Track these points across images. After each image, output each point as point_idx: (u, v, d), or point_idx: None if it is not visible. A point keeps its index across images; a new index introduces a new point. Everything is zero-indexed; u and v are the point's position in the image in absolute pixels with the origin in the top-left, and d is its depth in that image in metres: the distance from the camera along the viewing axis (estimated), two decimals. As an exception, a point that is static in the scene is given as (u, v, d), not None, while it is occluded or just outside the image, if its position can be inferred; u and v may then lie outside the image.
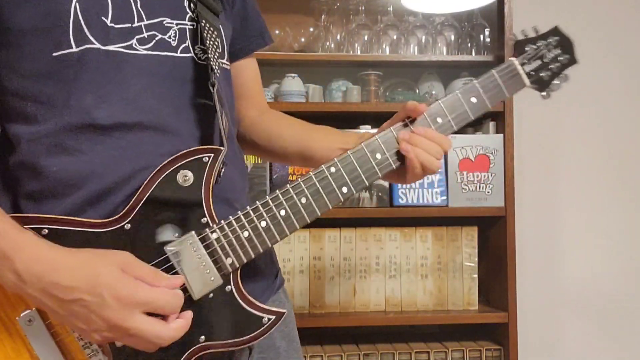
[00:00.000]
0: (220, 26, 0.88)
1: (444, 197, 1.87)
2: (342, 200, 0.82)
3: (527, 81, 0.92)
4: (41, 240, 0.70)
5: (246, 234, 0.77)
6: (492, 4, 1.89)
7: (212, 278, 0.75)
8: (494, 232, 1.94)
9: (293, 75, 1.92)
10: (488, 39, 1.99)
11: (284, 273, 1.83)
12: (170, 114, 0.79)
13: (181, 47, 0.81)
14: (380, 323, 1.84)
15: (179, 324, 0.70)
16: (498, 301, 1.91)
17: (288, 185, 0.80)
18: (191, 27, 0.82)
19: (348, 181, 0.82)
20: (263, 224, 0.78)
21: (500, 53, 1.87)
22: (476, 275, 1.89)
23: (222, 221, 0.77)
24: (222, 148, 0.77)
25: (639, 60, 2.26)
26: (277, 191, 0.79)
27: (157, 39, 0.79)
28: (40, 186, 0.75)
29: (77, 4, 0.74)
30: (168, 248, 0.74)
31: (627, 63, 2.25)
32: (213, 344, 0.75)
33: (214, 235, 0.76)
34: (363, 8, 2.03)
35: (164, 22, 0.80)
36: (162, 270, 0.73)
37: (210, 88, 0.79)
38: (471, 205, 1.86)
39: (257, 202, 0.78)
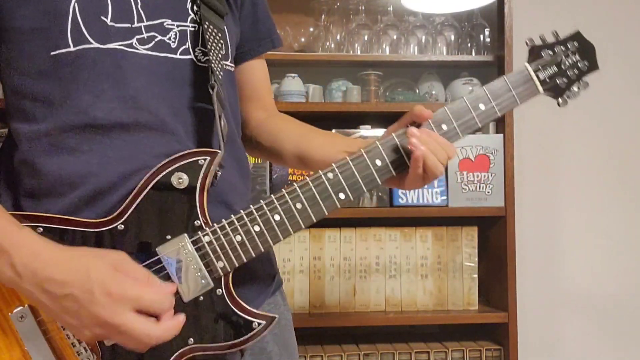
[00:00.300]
0: (224, 28, 0.87)
1: (444, 197, 1.87)
2: (339, 207, 0.80)
3: (540, 89, 0.88)
4: (38, 237, 0.70)
5: (239, 238, 0.76)
6: (492, 4, 1.89)
7: (203, 281, 0.75)
8: (494, 232, 1.94)
9: (293, 75, 1.92)
10: (488, 39, 1.99)
11: (283, 273, 1.84)
12: (169, 114, 0.78)
13: (181, 49, 0.81)
14: (380, 323, 1.84)
15: (170, 325, 0.70)
16: (498, 301, 1.91)
17: (284, 190, 0.79)
18: (192, 28, 0.82)
19: (345, 187, 0.80)
20: (256, 228, 0.77)
21: (500, 53, 1.87)
22: (476, 275, 1.89)
23: (215, 224, 0.76)
24: (219, 151, 0.77)
25: (639, 60, 2.26)
26: (272, 196, 0.78)
27: (156, 40, 0.79)
28: (39, 184, 0.76)
29: (76, 4, 0.75)
30: (160, 250, 0.74)
31: (627, 63, 2.25)
32: (202, 346, 0.75)
33: (206, 239, 0.75)
34: (363, 8, 2.03)
35: (165, 24, 0.80)
36: (153, 271, 0.73)
37: (210, 90, 0.79)
38: (471, 205, 1.86)
39: (251, 206, 0.78)
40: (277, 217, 0.78)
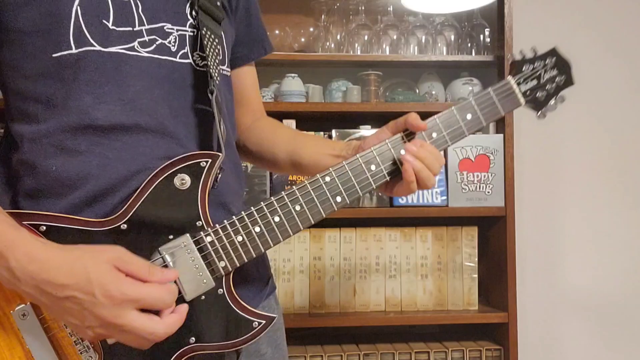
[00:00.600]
0: (222, 33, 0.89)
1: (444, 197, 1.87)
2: (336, 209, 0.83)
3: (522, 100, 0.93)
4: (35, 238, 0.70)
5: (240, 238, 0.78)
6: (492, 4, 1.89)
7: (205, 281, 0.76)
8: (494, 232, 1.94)
9: (293, 75, 1.93)
10: (488, 39, 1.99)
11: (283, 273, 1.84)
12: (168, 117, 0.79)
13: (180, 53, 0.82)
14: (380, 323, 1.84)
15: (173, 319, 0.71)
16: (498, 301, 1.91)
17: (283, 192, 0.81)
18: (191, 33, 0.83)
19: (342, 191, 0.83)
20: (257, 229, 0.79)
21: (500, 53, 1.87)
22: (476, 275, 1.89)
23: (217, 225, 0.78)
24: (219, 154, 0.78)
25: (639, 60, 2.26)
26: (272, 198, 0.80)
27: (157, 43, 0.80)
28: (39, 185, 0.76)
29: (78, 7, 0.75)
30: (162, 249, 0.75)
31: (627, 62, 2.25)
32: (203, 345, 0.76)
33: (208, 239, 0.77)
34: (363, 8, 2.03)
35: (165, 28, 0.81)
36: None
37: (209, 95, 0.81)
38: (471, 205, 1.86)
39: (252, 207, 0.80)
40: (276, 219, 0.80)
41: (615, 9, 2.24)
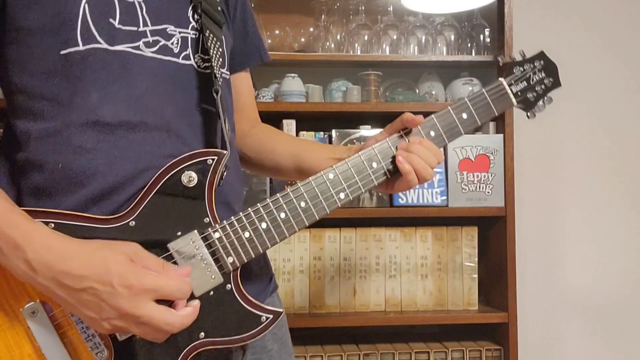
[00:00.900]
0: (223, 37, 0.90)
1: (444, 197, 1.87)
2: (340, 205, 0.86)
3: (514, 100, 0.97)
4: (51, 230, 0.71)
5: (247, 234, 0.80)
6: (492, 4, 1.89)
7: (213, 276, 0.77)
8: (494, 232, 1.94)
9: (293, 75, 1.93)
10: (488, 39, 1.99)
11: (283, 273, 1.84)
12: (174, 116, 0.80)
13: (182, 55, 0.83)
14: (380, 323, 1.84)
15: (188, 311, 0.72)
16: (498, 301, 1.91)
17: (288, 189, 0.83)
18: (193, 36, 0.85)
19: (345, 188, 0.86)
20: (264, 225, 0.80)
21: (500, 53, 1.87)
22: (476, 275, 1.90)
23: (224, 221, 0.79)
24: (225, 151, 0.79)
25: (639, 60, 2.26)
26: (278, 195, 0.82)
27: (160, 44, 0.81)
28: (46, 183, 0.77)
29: (86, 5, 0.76)
30: (171, 246, 0.76)
31: (627, 62, 2.25)
32: (212, 340, 0.77)
33: (216, 235, 0.78)
34: (363, 8, 2.03)
35: (168, 30, 0.82)
36: None
37: (214, 95, 0.82)
38: (471, 206, 1.87)
39: (258, 204, 0.81)
40: (282, 215, 0.82)
41: (615, 9, 2.25)
